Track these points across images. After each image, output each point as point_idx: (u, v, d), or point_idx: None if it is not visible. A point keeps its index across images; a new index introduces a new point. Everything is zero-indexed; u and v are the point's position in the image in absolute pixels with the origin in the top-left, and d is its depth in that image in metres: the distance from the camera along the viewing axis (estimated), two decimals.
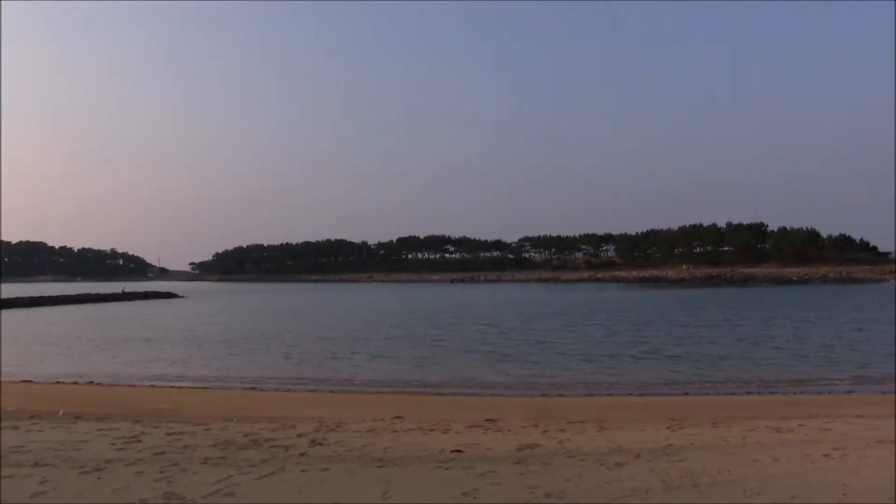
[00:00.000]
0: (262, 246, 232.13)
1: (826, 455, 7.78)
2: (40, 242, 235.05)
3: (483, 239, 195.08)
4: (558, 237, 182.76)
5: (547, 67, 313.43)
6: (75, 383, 18.02)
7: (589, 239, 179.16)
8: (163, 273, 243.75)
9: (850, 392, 15.74)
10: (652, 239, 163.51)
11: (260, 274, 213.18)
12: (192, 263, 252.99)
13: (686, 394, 15.89)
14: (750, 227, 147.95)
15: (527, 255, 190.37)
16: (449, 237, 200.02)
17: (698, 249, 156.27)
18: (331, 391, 16.72)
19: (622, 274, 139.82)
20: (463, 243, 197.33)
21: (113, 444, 8.63)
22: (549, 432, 9.85)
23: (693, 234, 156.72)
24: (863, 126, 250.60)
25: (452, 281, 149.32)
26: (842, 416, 11.30)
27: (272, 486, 6.72)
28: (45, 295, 70.48)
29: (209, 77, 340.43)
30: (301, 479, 6.97)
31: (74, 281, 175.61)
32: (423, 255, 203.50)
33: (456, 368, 20.54)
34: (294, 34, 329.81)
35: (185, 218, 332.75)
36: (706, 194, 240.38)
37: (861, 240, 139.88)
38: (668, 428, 10.16)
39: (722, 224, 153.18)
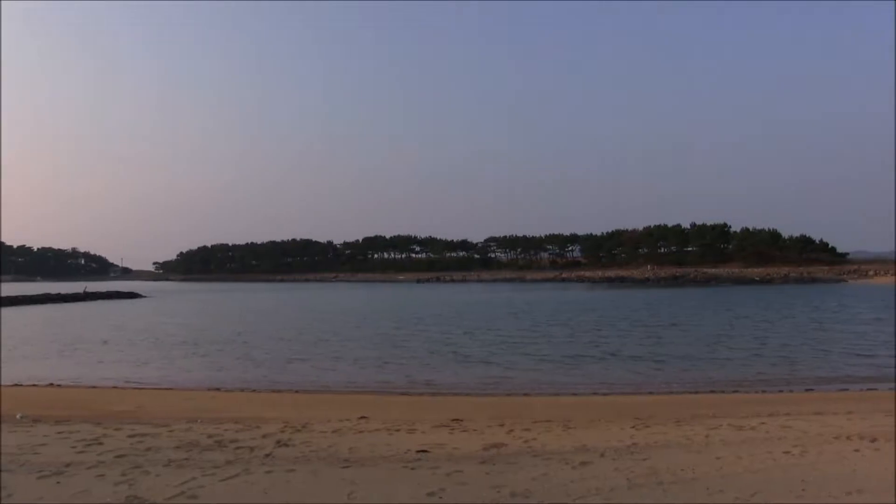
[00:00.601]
0: (227, 245, 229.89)
1: (787, 452, 7.92)
2: None
3: (449, 239, 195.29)
4: (524, 237, 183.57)
5: (511, 65, 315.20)
6: (34, 385, 17.62)
7: (554, 239, 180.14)
8: (126, 273, 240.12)
9: (809, 390, 16.04)
10: (617, 239, 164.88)
11: (225, 274, 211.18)
12: (155, 263, 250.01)
13: (650, 393, 16.04)
14: (714, 227, 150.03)
15: (493, 255, 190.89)
16: (415, 237, 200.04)
17: (663, 250, 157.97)
18: (296, 392, 16.60)
19: (587, 274, 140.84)
20: (429, 243, 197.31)
21: (73, 448, 8.47)
22: (515, 432, 9.88)
23: (658, 235, 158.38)
24: (827, 129, 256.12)
25: (419, 281, 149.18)
26: (802, 413, 11.51)
27: (237, 487, 6.65)
28: (3, 295, 68.97)
29: (173, 76, 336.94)
30: (266, 480, 6.90)
31: (34, 281, 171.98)
32: (390, 254, 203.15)
33: (419, 369, 20.51)
34: (262, 33, 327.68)
35: (149, 217, 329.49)
36: (671, 195, 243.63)
37: (821, 240, 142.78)
38: (633, 427, 10.24)
39: (686, 225, 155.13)
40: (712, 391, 16.09)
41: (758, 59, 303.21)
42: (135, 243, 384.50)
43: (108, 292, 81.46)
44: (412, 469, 7.40)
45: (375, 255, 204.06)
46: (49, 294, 73.92)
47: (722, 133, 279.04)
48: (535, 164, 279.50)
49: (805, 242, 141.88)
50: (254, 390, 17.03)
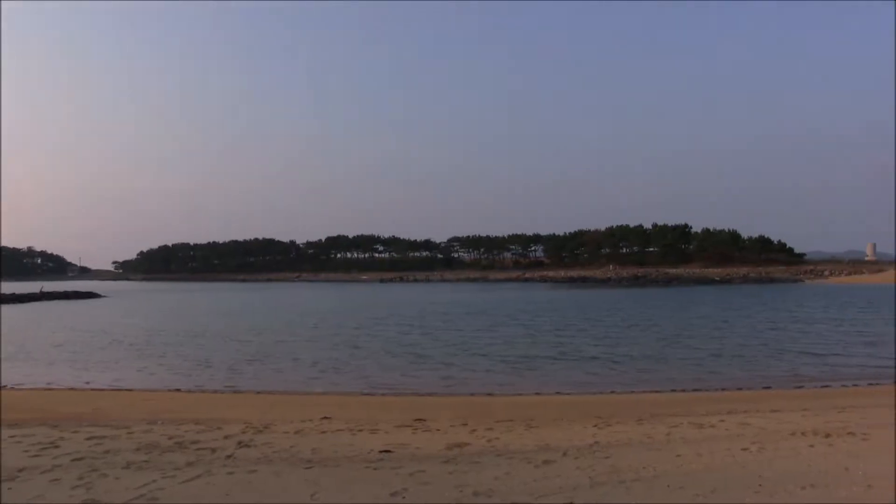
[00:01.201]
0: (188, 245, 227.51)
1: (745, 449, 8.06)
2: None
3: (412, 239, 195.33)
4: (487, 237, 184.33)
5: (472, 69, 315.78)
6: None
7: (517, 239, 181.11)
8: (84, 272, 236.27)
9: (766, 388, 16.33)
10: (579, 239, 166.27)
11: (186, 273, 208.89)
12: (115, 262, 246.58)
13: (612, 392, 16.18)
14: (675, 228, 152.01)
15: (456, 255, 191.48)
16: (378, 237, 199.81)
17: (625, 250, 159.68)
18: (258, 392, 16.44)
19: (550, 274, 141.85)
20: (392, 243, 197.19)
21: (27, 452, 8.29)
22: (478, 431, 9.91)
23: (620, 235, 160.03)
24: (784, 133, 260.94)
25: (382, 280, 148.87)
26: (759, 411, 11.72)
27: (198, 489, 6.57)
28: None
29: (134, 73, 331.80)
30: (228, 481, 6.84)
31: None
32: (353, 254, 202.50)
33: (377, 370, 20.36)
34: (212, 35, 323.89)
35: (109, 215, 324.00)
36: (633, 196, 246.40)
37: (779, 241, 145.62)
38: (595, 426, 10.33)
39: (648, 225, 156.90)
40: (673, 390, 16.28)
41: (723, 67, 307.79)
42: (94, 242, 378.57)
43: (65, 292, 79.75)
44: (375, 469, 7.39)
45: (338, 255, 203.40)
46: (3, 294, 72.15)
47: (683, 137, 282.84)
48: (498, 165, 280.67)
49: (764, 243, 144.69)
50: (215, 391, 16.83)
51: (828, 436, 8.73)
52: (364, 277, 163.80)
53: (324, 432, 9.88)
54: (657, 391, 16.15)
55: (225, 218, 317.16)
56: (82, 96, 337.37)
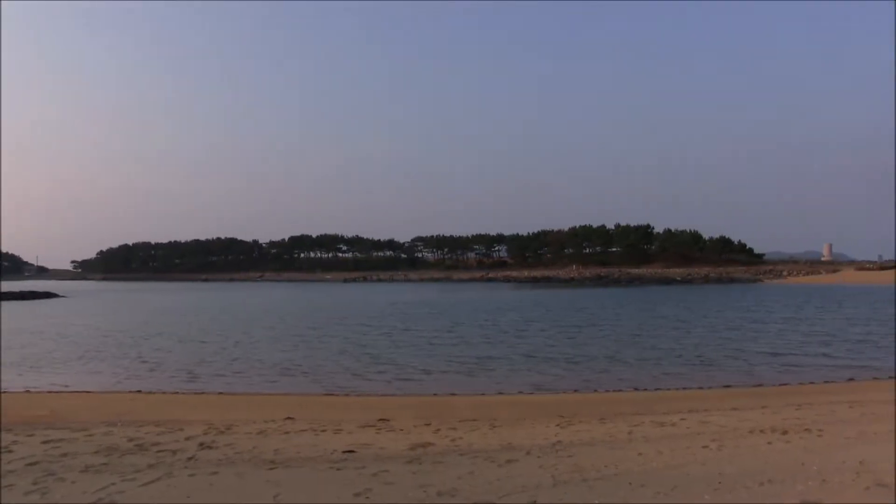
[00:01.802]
0: (149, 244, 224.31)
1: (705, 446, 8.17)
2: None
3: (376, 238, 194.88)
4: (451, 237, 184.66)
5: (429, 66, 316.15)
6: None
7: (481, 239, 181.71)
8: (42, 272, 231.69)
9: (727, 387, 16.56)
10: (543, 239, 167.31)
11: (147, 273, 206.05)
12: (74, 262, 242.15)
13: (575, 391, 16.30)
14: (637, 228, 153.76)
15: (420, 255, 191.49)
16: (342, 236, 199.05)
17: (588, 250, 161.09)
18: (220, 393, 16.26)
19: (514, 274, 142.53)
20: (356, 243, 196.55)
21: None
22: (442, 431, 9.92)
23: (583, 235, 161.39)
24: (749, 136, 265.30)
25: (345, 280, 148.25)
26: (720, 409, 11.90)
27: (158, 491, 6.48)
28: None
29: (97, 71, 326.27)
30: (189, 483, 6.76)
31: None
32: (316, 254, 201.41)
33: (339, 370, 20.25)
34: (188, 33, 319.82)
35: (67, 214, 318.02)
36: (596, 196, 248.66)
37: (739, 241, 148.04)
38: (558, 425, 10.40)
39: (611, 226, 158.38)
40: (635, 389, 16.44)
41: (691, 72, 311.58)
42: (51, 241, 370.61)
43: (21, 292, 77.98)
44: (338, 469, 7.36)
45: (302, 255, 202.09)
46: None
47: (646, 138, 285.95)
48: (461, 166, 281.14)
49: (724, 244, 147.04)
50: (175, 392, 16.61)
51: (785, 433, 8.89)
52: (328, 277, 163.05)
53: (287, 433, 9.81)
54: (619, 391, 16.30)
55: (187, 217, 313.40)
56: (41, 95, 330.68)
